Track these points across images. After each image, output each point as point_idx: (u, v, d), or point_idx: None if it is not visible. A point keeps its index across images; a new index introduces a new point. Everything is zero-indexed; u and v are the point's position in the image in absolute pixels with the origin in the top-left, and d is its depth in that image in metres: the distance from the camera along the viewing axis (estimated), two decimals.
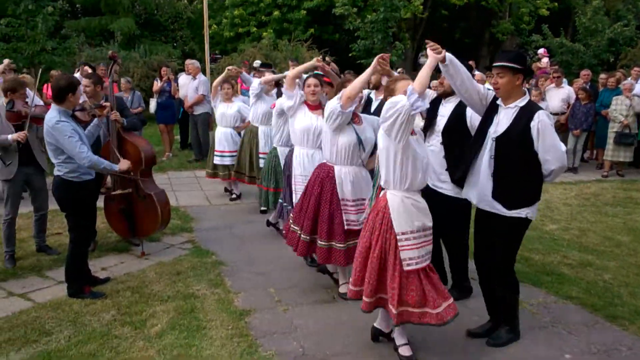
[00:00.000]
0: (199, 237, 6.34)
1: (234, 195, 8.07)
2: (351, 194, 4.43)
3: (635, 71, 10.67)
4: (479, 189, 3.83)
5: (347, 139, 4.34)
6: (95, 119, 4.96)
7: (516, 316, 4.06)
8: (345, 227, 4.43)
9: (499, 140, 3.73)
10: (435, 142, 4.45)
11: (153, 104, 11.15)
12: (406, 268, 3.50)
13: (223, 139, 7.78)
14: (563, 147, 3.70)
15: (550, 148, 3.61)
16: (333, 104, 4.22)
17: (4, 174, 5.25)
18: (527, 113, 3.66)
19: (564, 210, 7.72)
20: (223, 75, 7.72)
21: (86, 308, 4.46)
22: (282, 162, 6.00)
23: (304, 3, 21.03)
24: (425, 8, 21.34)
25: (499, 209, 3.77)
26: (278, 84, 7.50)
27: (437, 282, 3.63)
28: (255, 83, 7.10)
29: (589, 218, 7.38)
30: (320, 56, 8.16)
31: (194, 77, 10.43)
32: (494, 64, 3.77)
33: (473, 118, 4.23)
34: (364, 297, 3.68)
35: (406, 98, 3.33)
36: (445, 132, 4.39)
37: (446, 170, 4.38)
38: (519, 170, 3.69)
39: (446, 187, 4.40)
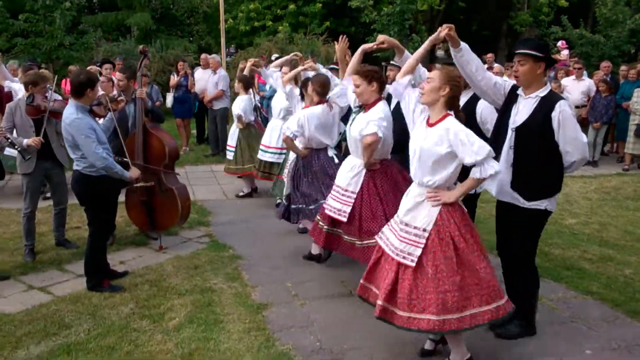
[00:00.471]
0: (216, 231, 6.36)
1: (242, 193, 7.98)
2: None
3: None
4: (499, 180, 3.77)
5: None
6: (109, 113, 5.02)
7: (534, 311, 4.00)
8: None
9: (518, 130, 3.67)
10: None
11: (170, 98, 11.21)
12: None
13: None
14: (585, 139, 3.64)
15: (572, 139, 3.55)
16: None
17: (23, 168, 5.31)
18: (548, 103, 3.59)
19: (583, 204, 7.61)
20: (246, 71, 7.46)
21: (105, 301, 4.51)
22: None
23: None
24: (442, 0, 21.12)
25: (518, 199, 3.72)
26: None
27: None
28: (276, 75, 6.80)
29: (609, 212, 7.27)
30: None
31: (214, 72, 10.44)
32: (516, 51, 3.69)
33: (483, 114, 4.21)
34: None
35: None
36: None
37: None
38: (538, 161, 3.63)
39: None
